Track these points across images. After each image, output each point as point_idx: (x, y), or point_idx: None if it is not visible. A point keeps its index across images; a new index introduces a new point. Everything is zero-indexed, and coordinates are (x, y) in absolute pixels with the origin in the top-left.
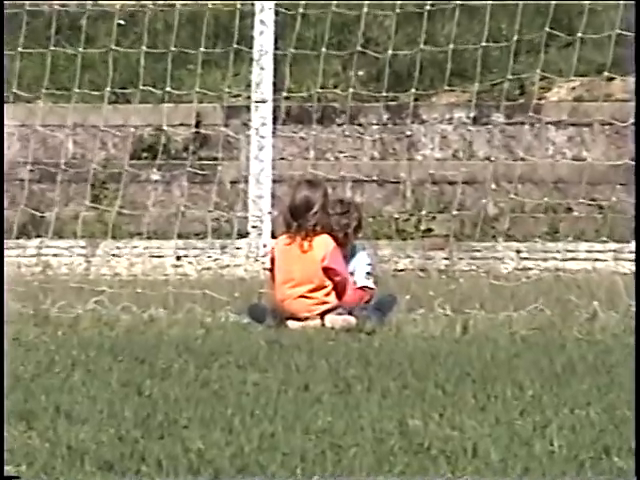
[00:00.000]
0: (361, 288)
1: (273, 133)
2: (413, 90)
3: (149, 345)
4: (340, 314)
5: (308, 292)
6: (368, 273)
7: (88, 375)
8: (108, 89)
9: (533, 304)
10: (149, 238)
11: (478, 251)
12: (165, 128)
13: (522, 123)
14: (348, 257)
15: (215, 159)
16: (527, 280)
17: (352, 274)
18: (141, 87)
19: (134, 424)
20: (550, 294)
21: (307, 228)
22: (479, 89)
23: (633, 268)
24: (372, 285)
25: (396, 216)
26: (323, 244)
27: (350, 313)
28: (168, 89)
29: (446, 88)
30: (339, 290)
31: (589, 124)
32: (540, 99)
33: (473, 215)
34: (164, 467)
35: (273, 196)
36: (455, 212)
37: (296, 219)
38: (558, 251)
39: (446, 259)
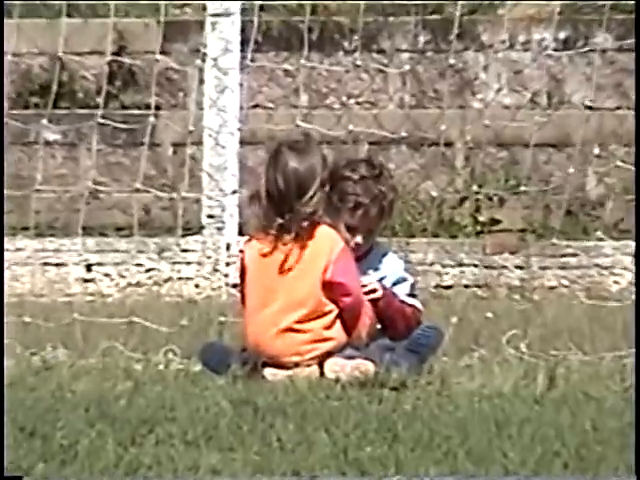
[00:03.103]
0: (409, 305)
1: (241, 66)
2: None
3: (43, 407)
4: (350, 357)
5: (298, 322)
6: (412, 289)
7: None
8: None
9: None
10: (41, 235)
11: (572, 255)
12: (66, 57)
13: None
14: (369, 260)
15: (148, 108)
16: None
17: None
18: None
19: None
20: None
21: (299, 226)
22: None
23: None
24: (420, 306)
25: (439, 197)
26: (325, 243)
27: (367, 357)
28: None
29: None
30: (348, 318)
31: None
32: None
33: (564, 197)
34: None
35: (241, 166)
36: (535, 192)
37: (278, 212)
38: None
39: (520, 268)
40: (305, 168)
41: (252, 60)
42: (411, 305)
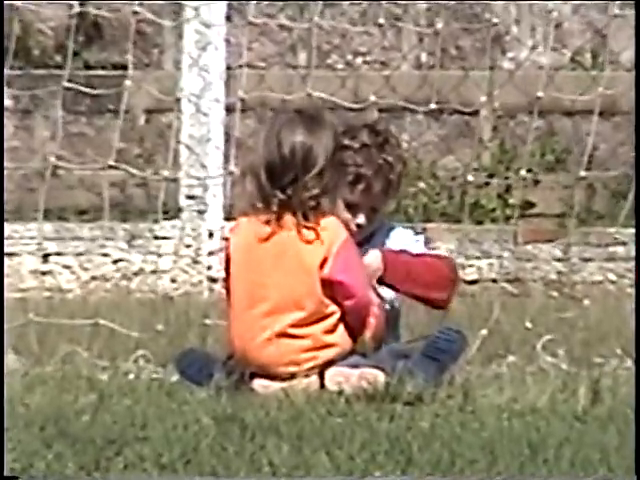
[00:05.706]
0: (439, 257)
1: (227, 18)
2: None
3: None
4: (356, 366)
5: (294, 326)
6: (428, 245)
7: None
8: None
9: None
10: None
11: (620, 244)
12: (20, 6)
13: None
14: (374, 241)
15: (116, 67)
16: None
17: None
18: None
19: None
20: None
21: (303, 205)
22: None
23: None
24: (444, 253)
25: (462, 175)
26: (326, 232)
27: (375, 365)
28: None
29: None
30: (353, 322)
31: None
32: None
33: (612, 177)
34: None
35: (227, 138)
36: (576, 169)
37: (279, 185)
38: None
39: (558, 260)
40: (308, 141)
41: (242, 14)
42: (432, 255)
